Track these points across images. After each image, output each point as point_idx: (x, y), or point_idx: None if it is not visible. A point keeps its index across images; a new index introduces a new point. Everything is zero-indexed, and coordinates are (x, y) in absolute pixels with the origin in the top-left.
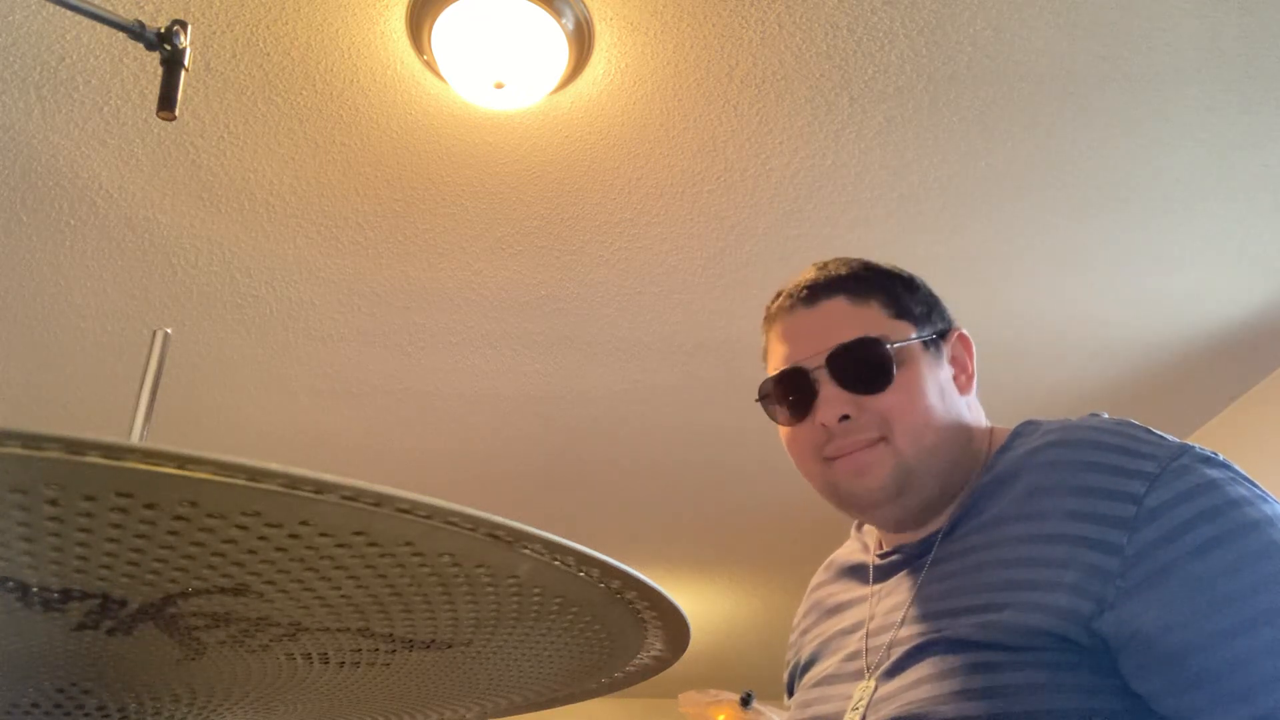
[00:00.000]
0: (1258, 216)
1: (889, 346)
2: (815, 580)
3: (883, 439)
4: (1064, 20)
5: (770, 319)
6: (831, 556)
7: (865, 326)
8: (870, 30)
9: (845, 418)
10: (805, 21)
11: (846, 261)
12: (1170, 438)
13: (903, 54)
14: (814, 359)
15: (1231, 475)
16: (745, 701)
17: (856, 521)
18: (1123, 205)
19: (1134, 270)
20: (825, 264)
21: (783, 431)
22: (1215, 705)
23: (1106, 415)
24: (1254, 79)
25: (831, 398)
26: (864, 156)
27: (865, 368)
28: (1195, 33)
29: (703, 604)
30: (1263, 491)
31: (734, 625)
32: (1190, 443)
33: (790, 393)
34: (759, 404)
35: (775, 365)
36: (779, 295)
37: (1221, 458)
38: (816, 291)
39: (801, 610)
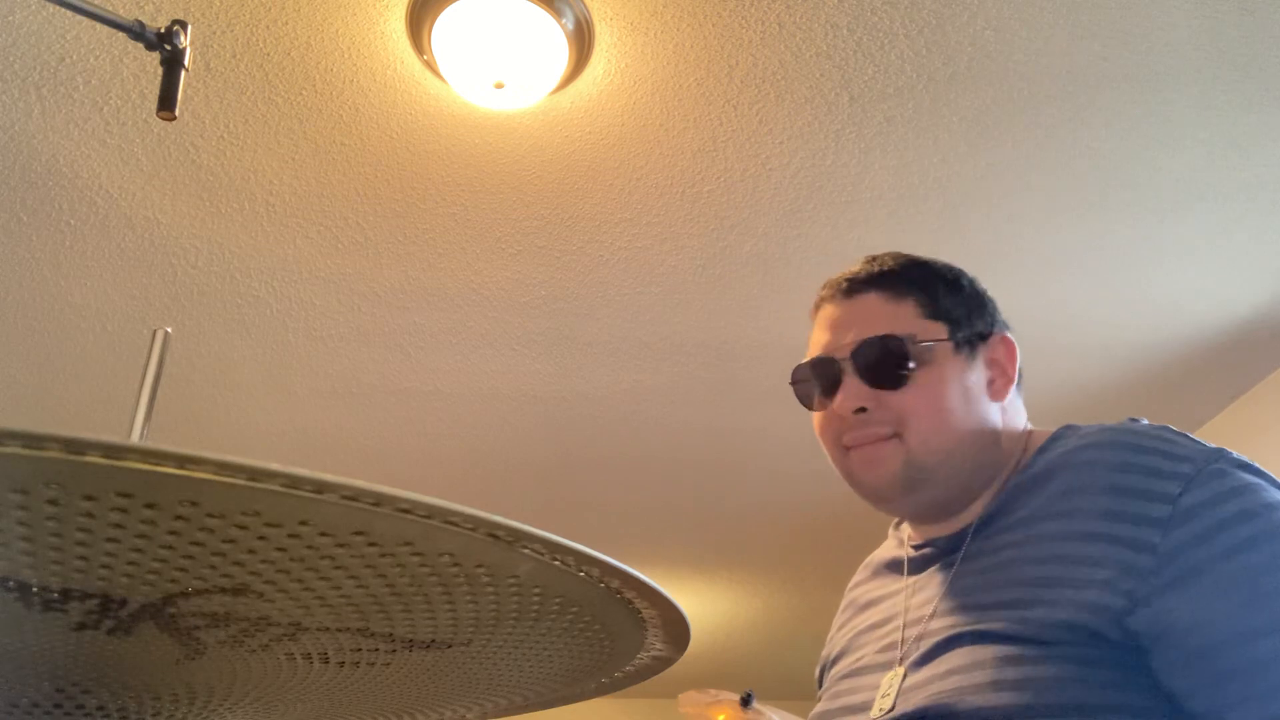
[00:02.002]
0: (1258, 216)
1: (912, 345)
2: (854, 580)
3: (896, 435)
4: (1064, 20)
5: (815, 307)
6: (870, 556)
7: (894, 324)
8: (870, 30)
9: (862, 410)
10: (805, 21)
11: (895, 257)
12: (1206, 443)
13: (903, 54)
14: (842, 350)
15: (1265, 481)
16: (745, 701)
17: (895, 520)
18: (1123, 205)
19: (1134, 270)
20: (875, 258)
21: (814, 417)
22: (1244, 702)
23: (1146, 421)
24: (1254, 79)
25: (851, 389)
26: (864, 156)
27: (886, 363)
28: (1195, 33)
29: (703, 604)
30: None
31: (734, 625)
32: (1225, 448)
33: (818, 380)
34: (792, 388)
35: (811, 352)
36: (825, 285)
37: (1255, 464)
38: (855, 285)
39: (840, 608)
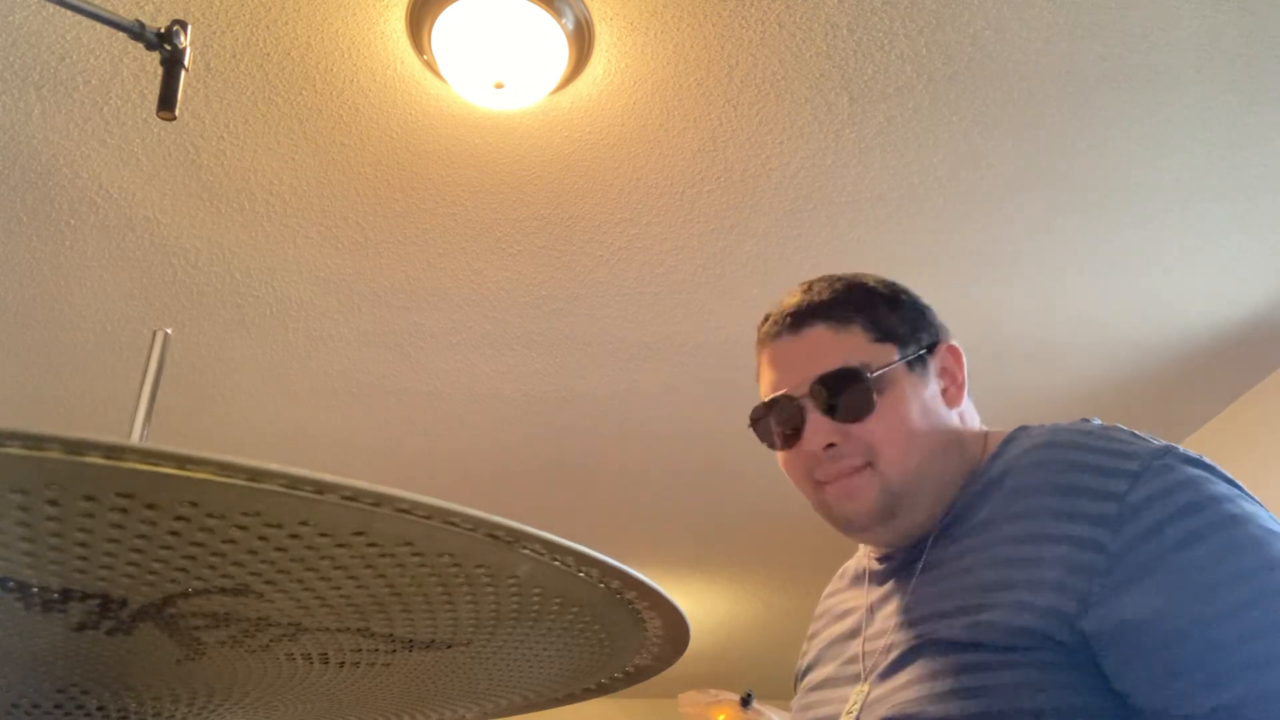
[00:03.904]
0: (1258, 216)
1: (869, 375)
2: (828, 589)
3: (869, 465)
4: (1064, 20)
5: (760, 343)
6: (845, 565)
7: (846, 355)
8: (870, 30)
9: (831, 445)
10: (805, 21)
11: (831, 283)
12: (1155, 440)
13: (903, 54)
14: (799, 387)
15: (1212, 475)
16: (745, 701)
17: None
18: (1123, 205)
19: (1134, 270)
20: (810, 285)
21: (778, 454)
22: (1192, 692)
23: (1098, 421)
24: (1254, 79)
25: (817, 426)
26: (864, 156)
27: (847, 398)
28: (1195, 33)
29: (703, 604)
30: (1243, 490)
31: (734, 625)
32: (1174, 444)
33: (780, 420)
34: (751, 429)
35: (765, 391)
36: (767, 319)
37: (1205, 459)
38: (800, 319)
39: (814, 615)
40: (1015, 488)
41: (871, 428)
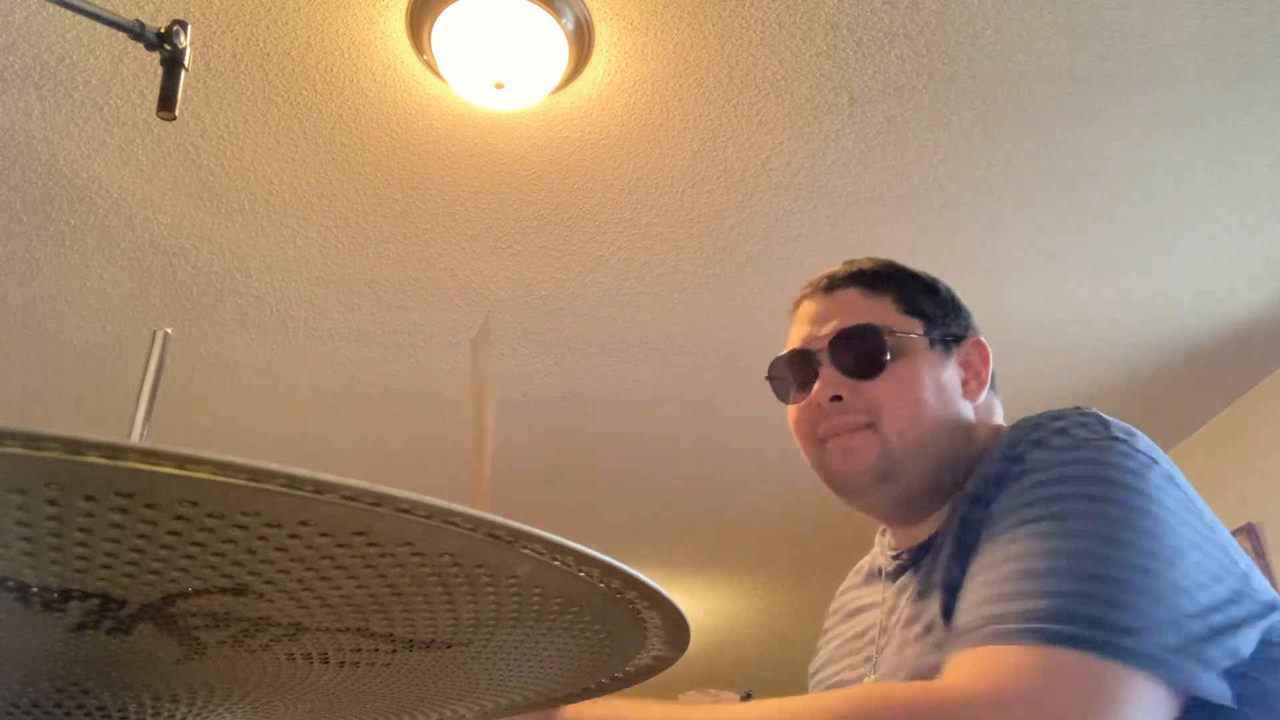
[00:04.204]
0: (1258, 216)
1: (889, 336)
2: (844, 584)
3: (871, 425)
4: (1064, 20)
5: (793, 307)
6: (861, 562)
7: (871, 316)
8: (870, 30)
9: (837, 398)
10: (805, 21)
11: (872, 259)
12: (1126, 426)
13: (903, 54)
14: (819, 342)
15: (1146, 463)
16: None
17: (881, 527)
18: (1123, 205)
19: (1134, 270)
20: (852, 260)
21: (788, 412)
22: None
23: (1092, 410)
24: (1254, 79)
25: (828, 378)
26: (864, 156)
27: (862, 353)
28: (1195, 33)
29: (703, 604)
30: (1181, 486)
31: (734, 625)
32: (1139, 433)
33: (794, 372)
34: (768, 382)
35: (788, 347)
36: (806, 285)
37: (1160, 451)
38: (834, 282)
39: (829, 611)
40: (995, 475)
41: (880, 388)
